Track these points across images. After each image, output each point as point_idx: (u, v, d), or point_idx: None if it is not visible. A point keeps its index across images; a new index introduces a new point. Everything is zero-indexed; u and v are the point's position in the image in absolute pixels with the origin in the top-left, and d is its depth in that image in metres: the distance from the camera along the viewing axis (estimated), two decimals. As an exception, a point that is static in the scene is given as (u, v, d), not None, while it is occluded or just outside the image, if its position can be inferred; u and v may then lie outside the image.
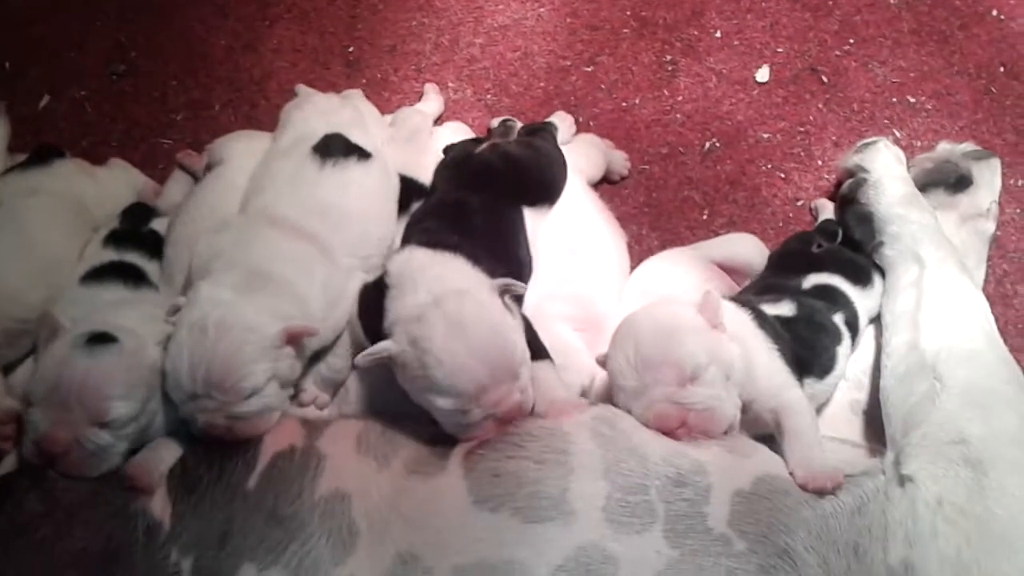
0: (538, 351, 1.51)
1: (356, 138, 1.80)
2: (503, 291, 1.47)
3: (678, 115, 2.11)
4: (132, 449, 1.48)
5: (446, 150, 1.91)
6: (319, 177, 1.71)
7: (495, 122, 2.07)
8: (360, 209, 1.71)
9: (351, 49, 2.26)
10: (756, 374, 1.45)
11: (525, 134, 1.95)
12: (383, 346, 1.43)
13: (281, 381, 1.48)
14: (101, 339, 1.46)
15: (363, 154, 1.77)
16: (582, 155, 1.96)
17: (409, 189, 1.85)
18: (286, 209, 1.66)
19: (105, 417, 1.42)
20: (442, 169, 1.86)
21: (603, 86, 2.16)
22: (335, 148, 1.75)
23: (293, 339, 1.49)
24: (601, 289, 1.72)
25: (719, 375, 1.40)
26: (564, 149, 1.93)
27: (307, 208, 1.66)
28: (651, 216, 2.00)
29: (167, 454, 1.47)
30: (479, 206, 1.69)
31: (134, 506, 1.41)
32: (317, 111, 1.88)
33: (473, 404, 1.37)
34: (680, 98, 2.13)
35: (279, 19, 2.32)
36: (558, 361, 1.54)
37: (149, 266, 1.80)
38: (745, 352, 1.45)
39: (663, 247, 1.92)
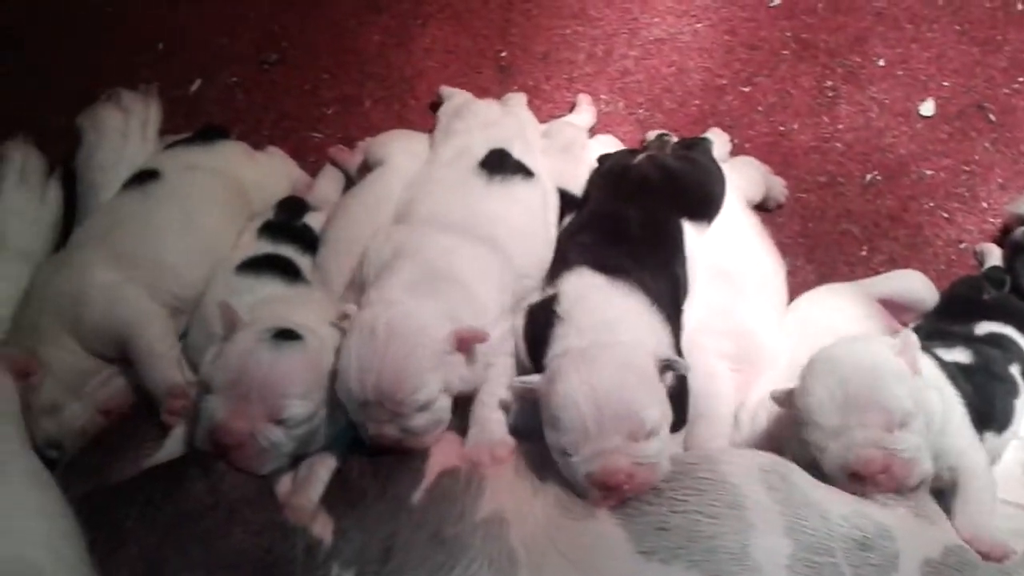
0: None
1: (518, 152, 1.79)
2: (663, 366, 1.42)
3: (838, 144, 2.05)
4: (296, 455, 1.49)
5: (600, 160, 1.89)
6: (485, 192, 1.71)
7: (651, 135, 2.03)
8: (524, 226, 1.70)
9: (504, 54, 2.24)
10: (946, 428, 1.40)
11: (681, 148, 1.91)
12: (535, 380, 1.43)
13: (451, 393, 1.45)
14: (286, 335, 1.45)
15: (528, 173, 1.76)
16: (742, 175, 1.90)
17: (563, 202, 1.82)
18: (454, 217, 1.65)
19: (281, 414, 1.41)
20: (597, 179, 1.84)
21: (760, 108, 2.11)
22: (501, 165, 1.74)
23: (463, 344, 1.45)
24: (762, 322, 1.66)
25: (923, 425, 1.36)
26: (722, 166, 1.88)
27: (475, 217, 1.65)
28: (807, 247, 1.94)
29: (320, 480, 1.46)
30: (636, 218, 1.66)
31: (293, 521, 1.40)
32: (479, 122, 1.88)
33: (575, 450, 1.34)
34: (840, 126, 2.07)
35: (432, 18, 2.31)
36: (700, 407, 1.52)
37: (302, 261, 1.78)
38: (943, 403, 1.41)
39: (820, 280, 1.86)
